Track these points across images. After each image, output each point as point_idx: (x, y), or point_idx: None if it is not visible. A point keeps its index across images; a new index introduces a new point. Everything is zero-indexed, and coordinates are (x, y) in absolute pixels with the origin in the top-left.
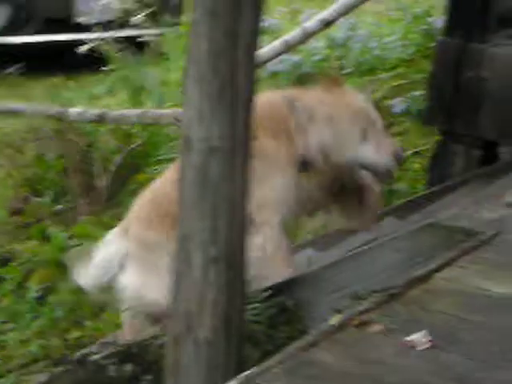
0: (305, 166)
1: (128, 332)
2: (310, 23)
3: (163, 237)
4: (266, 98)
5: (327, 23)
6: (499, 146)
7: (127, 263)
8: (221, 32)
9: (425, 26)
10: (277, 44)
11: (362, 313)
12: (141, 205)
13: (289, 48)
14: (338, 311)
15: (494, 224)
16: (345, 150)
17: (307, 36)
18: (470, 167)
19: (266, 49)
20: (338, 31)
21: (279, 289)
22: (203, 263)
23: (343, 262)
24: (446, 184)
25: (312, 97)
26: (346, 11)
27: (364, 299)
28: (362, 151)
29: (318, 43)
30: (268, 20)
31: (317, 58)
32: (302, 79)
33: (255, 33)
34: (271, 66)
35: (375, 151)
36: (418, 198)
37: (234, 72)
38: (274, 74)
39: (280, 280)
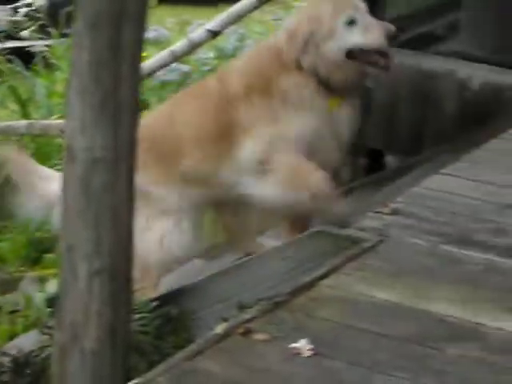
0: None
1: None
2: (197, 33)
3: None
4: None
5: (214, 33)
6: (385, 155)
7: None
8: (103, 44)
9: None
10: (164, 55)
11: (247, 321)
12: None
13: (176, 58)
14: (224, 320)
15: (378, 231)
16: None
17: (194, 46)
18: (356, 176)
19: (153, 59)
20: (226, 41)
21: (166, 299)
22: (87, 274)
23: (230, 271)
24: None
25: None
26: (233, 21)
27: (250, 308)
28: (351, 36)
29: (208, 53)
30: (157, 31)
31: (206, 68)
32: None
33: (139, 44)
34: (160, 76)
35: (364, 33)
36: None
37: (117, 83)
38: (163, 84)
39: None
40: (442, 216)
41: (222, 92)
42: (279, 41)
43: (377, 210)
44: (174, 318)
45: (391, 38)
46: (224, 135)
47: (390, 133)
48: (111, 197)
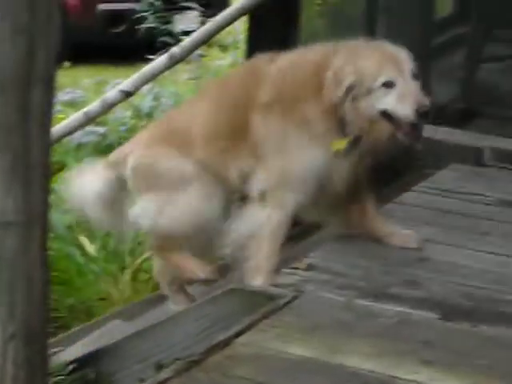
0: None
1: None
2: (111, 94)
3: (174, 153)
4: (299, 59)
5: (127, 94)
6: None
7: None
8: (12, 107)
9: None
10: (77, 116)
11: (164, 381)
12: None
13: (90, 120)
14: (141, 381)
15: (294, 287)
16: (370, 98)
17: (108, 107)
18: None
19: (67, 121)
20: (143, 100)
21: (83, 361)
22: (2, 339)
23: (147, 332)
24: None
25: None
26: (145, 81)
27: (166, 368)
28: (385, 98)
29: (124, 113)
30: (72, 92)
31: (123, 128)
32: (108, 150)
33: (49, 106)
34: (76, 138)
35: (397, 100)
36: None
37: (27, 146)
38: (80, 146)
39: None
40: (357, 270)
41: (244, 94)
42: (321, 66)
43: (292, 266)
44: (91, 380)
45: (422, 114)
46: (237, 138)
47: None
48: (24, 261)
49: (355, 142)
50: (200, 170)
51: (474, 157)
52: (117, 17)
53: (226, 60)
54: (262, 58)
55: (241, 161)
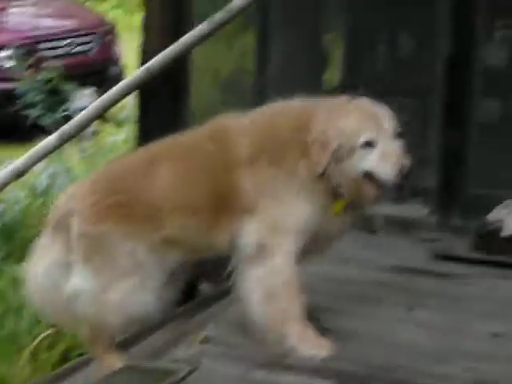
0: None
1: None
2: (2, 173)
3: (115, 229)
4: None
5: (19, 173)
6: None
7: (76, 264)
8: None
9: None
10: None
11: None
12: (82, 195)
13: None
14: None
15: (190, 361)
16: (352, 159)
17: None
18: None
19: None
20: (38, 179)
21: None
22: None
23: None
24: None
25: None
26: (38, 159)
27: None
28: (366, 159)
29: (19, 192)
30: None
31: (18, 206)
32: (6, 229)
33: None
34: None
35: (378, 160)
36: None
37: None
38: None
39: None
40: (253, 341)
41: (220, 154)
42: (300, 117)
43: (188, 340)
44: None
45: (404, 175)
46: (220, 206)
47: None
48: None
49: (352, 203)
50: (151, 259)
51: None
52: (8, 96)
53: (120, 136)
54: (224, 117)
55: (231, 225)
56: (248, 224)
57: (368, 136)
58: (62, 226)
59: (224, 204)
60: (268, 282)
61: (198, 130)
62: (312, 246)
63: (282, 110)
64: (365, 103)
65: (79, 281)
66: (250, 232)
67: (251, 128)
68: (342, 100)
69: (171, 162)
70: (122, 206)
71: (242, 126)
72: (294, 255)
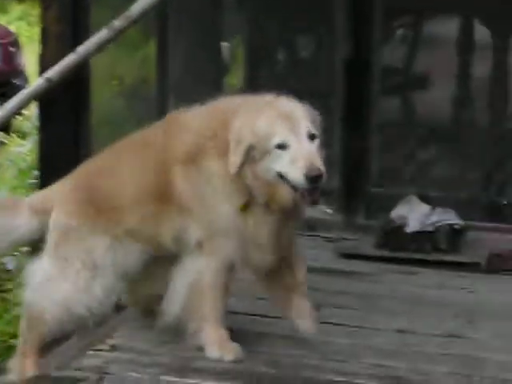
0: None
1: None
2: None
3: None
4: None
5: None
6: None
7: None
8: None
9: (32, 180)
10: None
11: None
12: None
13: None
14: None
15: (98, 369)
16: (266, 160)
17: None
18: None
19: None
20: None
21: None
22: None
23: None
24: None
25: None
26: None
27: None
28: (279, 161)
29: None
30: None
31: None
32: None
33: None
34: None
35: (289, 163)
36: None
37: None
38: None
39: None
40: (161, 347)
41: (164, 151)
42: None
43: (96, 348)
44: None
45: (312, 179)
46: (163, 197)
47: None
48: None
49: (268, 205)
50: (108, 259)
51: None
52: None
53: (26, 147)
54: (179, 110)
55: (173, 221)
56: (189, 221)
57: (281, 138)
58: (44, 213)
59: (166, 200)
60: (195, 279)
61: (158, 124)
62: (245, 251)
63: (214, 108)
64: (282, 102)
65: (39, 265)
66: (190, 229)
67: (192, 124)
68: (263, 100)
69: (131, 156)
70: (91, 201)
71: (187, 121)
72: (227, 259)
